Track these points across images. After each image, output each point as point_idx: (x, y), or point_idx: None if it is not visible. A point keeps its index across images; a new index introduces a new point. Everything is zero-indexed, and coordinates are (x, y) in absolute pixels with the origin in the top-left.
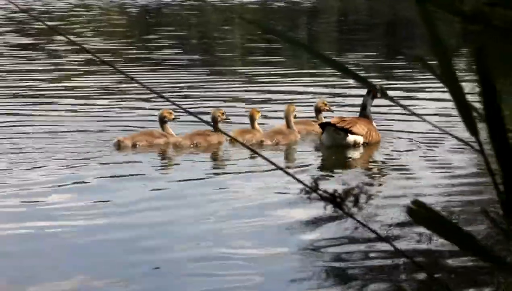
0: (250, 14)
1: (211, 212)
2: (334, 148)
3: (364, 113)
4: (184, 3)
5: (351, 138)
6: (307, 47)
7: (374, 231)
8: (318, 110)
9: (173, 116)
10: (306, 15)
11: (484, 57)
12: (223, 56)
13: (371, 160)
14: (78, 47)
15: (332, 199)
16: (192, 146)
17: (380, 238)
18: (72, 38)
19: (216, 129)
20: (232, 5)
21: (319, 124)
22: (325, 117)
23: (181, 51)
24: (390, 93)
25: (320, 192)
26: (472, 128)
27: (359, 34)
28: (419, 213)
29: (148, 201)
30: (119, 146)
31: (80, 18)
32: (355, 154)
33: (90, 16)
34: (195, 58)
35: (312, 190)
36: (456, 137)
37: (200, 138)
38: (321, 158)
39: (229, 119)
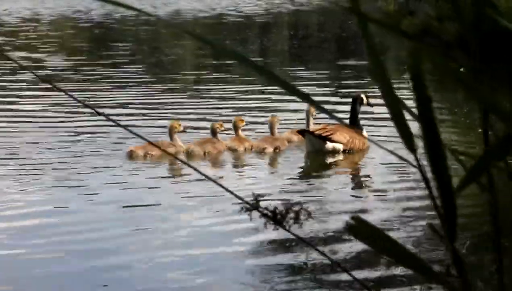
0: (202, 28)
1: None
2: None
3: (355, 122)
4: (136, 18)
5: (329, 145)
6: (247, 60)
7: (315, 248)
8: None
9: (181, 128)
10: (258, 29)
11: (419, 73)
12: (174, 72)
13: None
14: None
15: (273, 216)
16: (204, 153)
17: (322, 254)
18: (18, 54)
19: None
20: (184, 20)
21: (298, 131)
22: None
23: (131, 67)
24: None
25: (260, 209)
26: (409, 144)
27: (308, 48)
28: (359, 228)
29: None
30: (131, 156)
31: (29, 33)
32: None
33: (40, 31)
34: (146, 74)
35: (252, 208)
36: (395, 154)
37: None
38: (267, 171)
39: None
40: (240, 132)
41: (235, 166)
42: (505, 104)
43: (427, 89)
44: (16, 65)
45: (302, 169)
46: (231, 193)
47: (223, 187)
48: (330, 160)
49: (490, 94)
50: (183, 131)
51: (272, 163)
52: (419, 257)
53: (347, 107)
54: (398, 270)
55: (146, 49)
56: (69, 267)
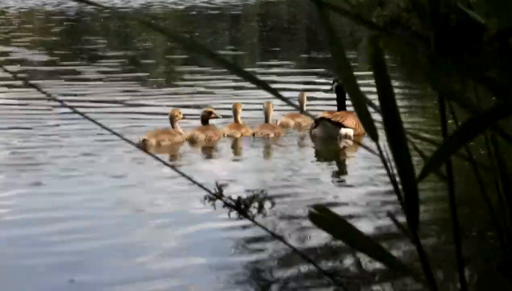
0: (173, 20)
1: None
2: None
3: (344, 107)
4: (109, 11)
5: (343, 131)
6: (209, 52)
7: (279, 237)
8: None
9: (181, 116)
10: (229, 21)
11: (381, 61)
12: (144, 65)
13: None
14: None
15: (237, 205)
16: (206, 139)
17: (286, 244)
18: None
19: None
20: (154, 12)
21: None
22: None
23: (101, 62)
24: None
25: (224, 199)
26: (372, 133)
27: (278, 38)
28: (321, 217)
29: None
30: (145, 145)
31: None
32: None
33: (8, 23)
34: (115, 68)
35: (216, 197)
36: (357, 143)
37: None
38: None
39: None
40: (239, 118)
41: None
42: (460, 91)
43: (388, 77)
44: None
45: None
46: (195, 182)
47: (188, 177)
48: (340, 145)
49: (445, 80)
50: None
51: (272, 150)
52: (382, 246)
53: (320, 95)
54: (368, 260)
55: (118, 43)
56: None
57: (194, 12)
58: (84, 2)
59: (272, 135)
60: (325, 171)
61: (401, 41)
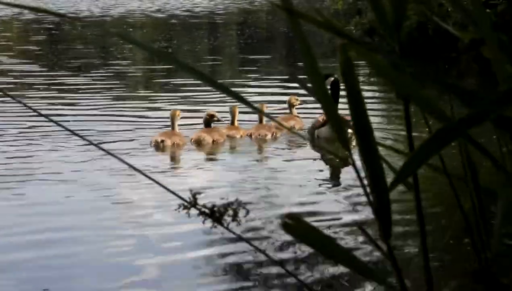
0: (150, 28)
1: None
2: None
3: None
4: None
5: (349, 131)
6: (177, 61)
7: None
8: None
9: (180, 116)
10: (207, 29)
11: (351, 69)
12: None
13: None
14: None
15: (211, 213)
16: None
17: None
18: None
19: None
20: (133, 19)
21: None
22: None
23: (79, 71)
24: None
25: (198, 207)
26: (344, 142)
27: (256, 46)
28: (293, 226)
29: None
30: (162, 146)
31: None
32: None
33: None
34: (94, 78)
35: (190, 205)
36: (329, 152)
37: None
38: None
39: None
40: (236, 120)
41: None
42: (428, 100)
43: (358, 85)
44: None
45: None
46: (169, 190)
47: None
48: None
49: (410, 85)
50: (218, 120)
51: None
52: (355, 255)
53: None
54: (342, 270)
55: (96, 51)
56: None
57: (173, 21)
58: (59, 17)
59: (269, 136)
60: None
61: (371, 49)
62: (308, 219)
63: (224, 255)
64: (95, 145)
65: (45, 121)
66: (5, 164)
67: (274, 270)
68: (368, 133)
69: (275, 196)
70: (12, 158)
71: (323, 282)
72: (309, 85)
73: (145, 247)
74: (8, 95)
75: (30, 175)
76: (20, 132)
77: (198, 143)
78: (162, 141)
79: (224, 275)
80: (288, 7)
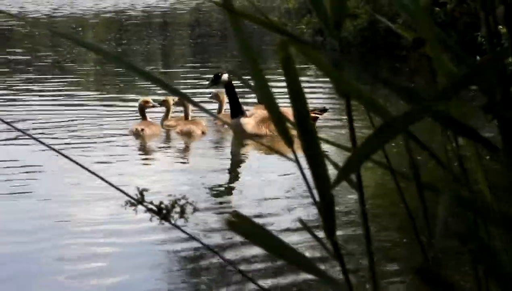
0: (100, 27)
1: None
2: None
3: (240, 109)
4: (34, 21)
5: None
6: (118, 59)
7: (201, 242)
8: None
9: (152, 103)
10: (157, 28)
11: (291, 66)
12: (75, 75)
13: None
14: None
15: (158, 210)
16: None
17: (208, 248)
18: None
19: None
20: (82, 17)
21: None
22: None
23: (31, 74)
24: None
25: (145, 204)
26: (287, 139)
27: (207, 45)
28: (238, 224)
29: None
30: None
31: None
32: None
33: None
34: (46, 81)
35: (137, 202)
36: (268, 147)
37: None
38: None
39: (157, 105)
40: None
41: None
42: (365, 92)
43: (298, 81)
44: None
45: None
46: (116, 187)
47: (108, 182)
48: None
49: (350, 82)
50: (153, 106)
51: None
52: (298, 251)
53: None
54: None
55: (45, 50)
56: None
57: (124, 20)
58: (9, 15)
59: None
60: (261, 174)
61: (310, 46)
62: (257, 218)
63: (173, 252)
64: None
65: None
66: None
67: (223, 267)
68: (310, 130)
69: (222, 194)
70: None
71: (278, 283)
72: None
73: (92, 242)
74: None
75: None
76: None
77: (189, 135)
78: (142, 130)
79: (171, 272)
80: (229, 6)
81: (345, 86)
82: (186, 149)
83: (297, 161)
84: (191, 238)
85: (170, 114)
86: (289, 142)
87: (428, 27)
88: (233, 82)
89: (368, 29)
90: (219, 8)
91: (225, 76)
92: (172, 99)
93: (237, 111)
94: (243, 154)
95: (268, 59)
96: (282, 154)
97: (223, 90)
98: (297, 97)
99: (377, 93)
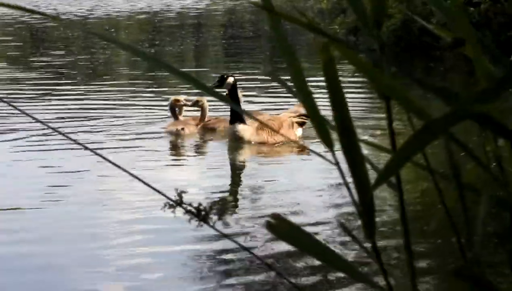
0: (135, 27)
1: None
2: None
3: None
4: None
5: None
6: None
7: (239, 244)
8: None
9: (184, 102)
10: (190, 28)
11: (332, 68)
12: (108, 73)
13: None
14: None
15: (197, 212)
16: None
17: (245, 249)
18: None
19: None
20: (116, 20)
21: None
22: None
23: (67, 74)
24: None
25: (184, 206)
26: (326, 141)
27: (239, 46)
28: (278, 226)
29: None
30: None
31: None
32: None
33: None
34: (81, 81)
35: (176, 204)
36: (311, 150)
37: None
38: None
39: (188, 104)
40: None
41: None
42: (408, 94)
43: (340, 84)
44: None
45: None
46: (153, 188)
47: (148, 185)
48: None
49: (391, 83)
50: (184, 105)
51: None
52: (339, 254)
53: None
54: (330, 269)
55: (79, 52)
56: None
57: (157, 21)
58: (43, 15)
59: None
60: (298, 176)
61: (352, 48)
62: (293, 219)
63: (210, 253)
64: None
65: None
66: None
67: (260, 268)
68: (350, 132)
69: (259, 196)
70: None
71: (312, 281)
72: (290, 84)
73: (130, 244)
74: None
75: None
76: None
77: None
78: (183, 129)
79: (210, 273)
80: (269, 7)
81: (386, 88)
82: (225, 149)
83: (337, 163)
84: (232, 240)
85: (207, 115)
86: (329, 145)
87: (465, 26)
88: (237, 86)
89: (401, 29)
90: (252, 9)
91: (230, 79)
92: (203, 100)
93: (236, 117)
94: (278, 155)
95: (300, 59)
96: (321, 156)
97: (205, 98)
98: (337, 99)
99: (411, 94)
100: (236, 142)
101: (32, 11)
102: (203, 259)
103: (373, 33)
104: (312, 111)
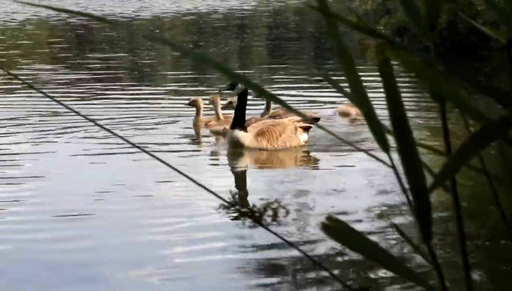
0: (179, 28)
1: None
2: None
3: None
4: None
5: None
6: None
7: (294, 245)
8: None
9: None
10: (234, 29)
11: (389, 70)
12: (154, 77)
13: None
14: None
15: (251, 213)
16: None
17: (299, 251)
18: None
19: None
20: (161, 21)
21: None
22: None
23: (113, 73)
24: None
25: (238, 207)
26: (382, 143)
27: (283, 47)
28: (334, 228)
29: None
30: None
31: (4, 37)
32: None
33: (14, 33)
34: (128, 81)
35: (230, 205)
36: (369, 154)
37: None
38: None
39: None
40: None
41: None
42: (463, 95)
43: (396, 86)
44: None
45: None
46: (209, 191)
47: (204, 187)
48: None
49: (446, 85)
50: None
51: None
52: (395, 257)
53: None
54: (382, 270)
55: (124, 53)
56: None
57: (201, 22)
58: (91, 18)
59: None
60: (351, 178)
61: (405, 49)
62: (347, 221)
63: (263, 254)
64: (141, 149)
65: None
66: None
67: (314, 271)
68: (408, 135)
69: (311, 198)
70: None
71: (364, 282)
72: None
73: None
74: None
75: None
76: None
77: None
78: (224, 129)
79: (263, 273)
80: (325, 9)
81: (442, 90)
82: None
83: (393, 166)
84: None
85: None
86: (385, 147)
87: None
88: (248, 93)
89: (447, 29)
90: (295, 10)
91: (241, 85)
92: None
93: (237, 123)
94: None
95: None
96: (377, 158)
97: (218, 96)
98: (394, 100)
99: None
100: (235, 149)
101: (82, 14)
102: (251, 255)
103: (428, 35)
104: (368, 114)
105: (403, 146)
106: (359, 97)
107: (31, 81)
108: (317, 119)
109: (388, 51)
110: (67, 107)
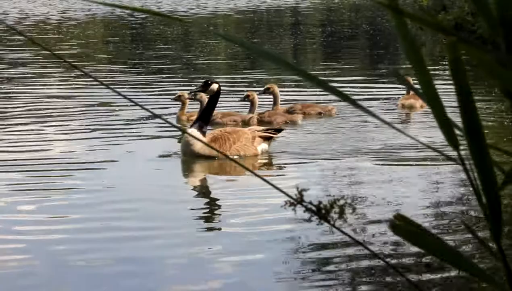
0: (233, 25)
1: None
2: None
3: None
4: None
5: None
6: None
7: (361, 243)
8: None
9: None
10: (288, 26)
11: (460, 67)
12: (208, 70)
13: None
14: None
15: (317, 210)
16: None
17: (367, 250)
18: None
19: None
20: (216, 18)
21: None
22: None
23: (167, 69)
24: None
25: (305, 204)
26: (453, 142)
27: (338, 44)
28: (402, 226)
29: None
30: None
31: (62, 30)
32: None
33: (72, 27)
34: (179, 75)
35: (297, 202)
36: (439, 152)
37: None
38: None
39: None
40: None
41: None
42: None
43: (468, 83)
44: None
45: None
46: (276, 188)
47: (271, 184)
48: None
49: None
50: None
51: None
52: (465, 256)
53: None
54: (451, 269)
55: (178, 48)
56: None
57: (255, 19)
58: (152, 14)
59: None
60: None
61: (473, 45)
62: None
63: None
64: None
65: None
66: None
67: (384, 269)
68: (479, 134)
69: (377, 196)
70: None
71: (434, 283)
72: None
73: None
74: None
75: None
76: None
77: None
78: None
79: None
80: (395, 6)
81: None
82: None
83: (463, 164)
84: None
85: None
86: (455, 144)
87: None
88: (220, 94)
89: None
90: (350, 7)
91: (214, 86)
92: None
93: (198, 121)
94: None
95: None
96: (447, 157)
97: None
98: (466, 99)
99: None
100: (186, 156)
101: (160, 14)
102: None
103: (499, 31)
104: (438, 112)
105: (475, 145)
106: (430, 96)
107: (108, 82)
108: (280, 130)
109: (460, 48)
110: (157, 116)
